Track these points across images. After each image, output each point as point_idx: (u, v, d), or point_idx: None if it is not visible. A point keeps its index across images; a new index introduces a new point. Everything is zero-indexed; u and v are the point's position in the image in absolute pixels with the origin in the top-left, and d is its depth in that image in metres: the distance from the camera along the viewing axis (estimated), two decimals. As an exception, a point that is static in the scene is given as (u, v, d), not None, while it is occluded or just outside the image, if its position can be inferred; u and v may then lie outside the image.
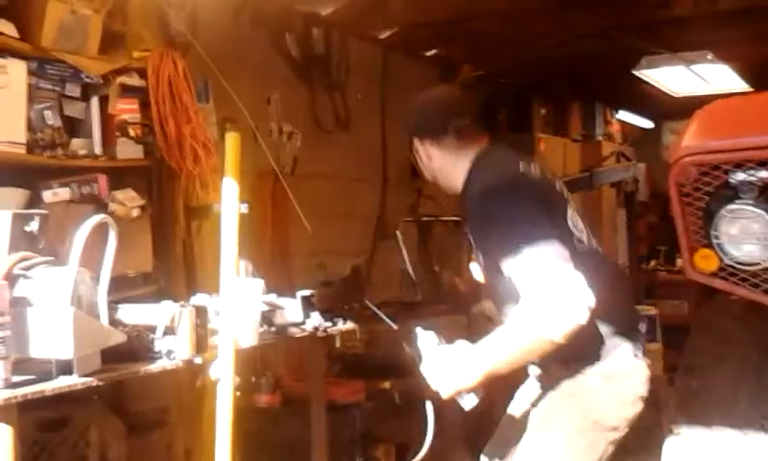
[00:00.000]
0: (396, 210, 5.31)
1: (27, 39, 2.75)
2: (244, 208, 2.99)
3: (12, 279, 1.80)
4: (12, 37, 2.70)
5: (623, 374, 2.15)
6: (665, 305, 6.67)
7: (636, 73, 5.81)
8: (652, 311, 6.44)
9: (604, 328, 2.12)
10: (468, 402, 2.00)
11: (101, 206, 2.97)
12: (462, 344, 2.03)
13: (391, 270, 5.15)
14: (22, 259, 1.84)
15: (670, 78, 6.14)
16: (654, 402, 4.96)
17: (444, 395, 2.02)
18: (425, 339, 2.07)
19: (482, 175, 2.19)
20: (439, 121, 2.26)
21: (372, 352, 2.98)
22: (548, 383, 2.22)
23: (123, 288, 2.97)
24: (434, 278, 4.64)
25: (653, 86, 6.38)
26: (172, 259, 3.26)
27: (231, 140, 2.15)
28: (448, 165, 2.27)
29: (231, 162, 2.16)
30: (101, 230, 3.03)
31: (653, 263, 7.39)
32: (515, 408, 2.37)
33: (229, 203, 2.16)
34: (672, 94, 6.78)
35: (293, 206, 4.03)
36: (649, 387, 2.21)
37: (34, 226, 1.91)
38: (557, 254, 1.96)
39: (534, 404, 2.26)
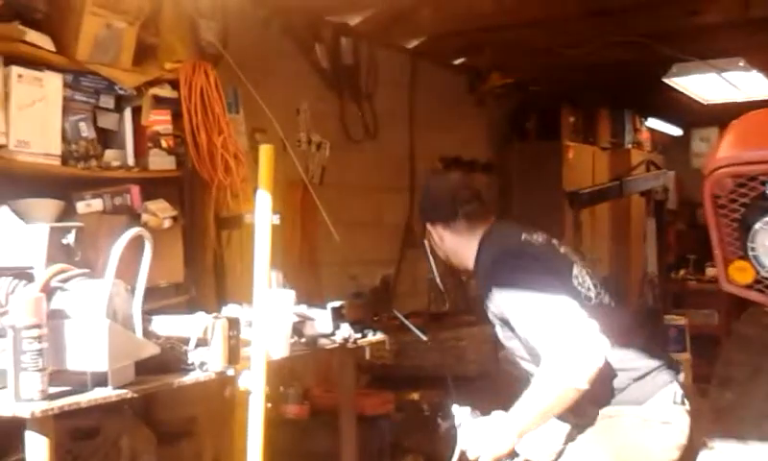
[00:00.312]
0: (423, 219, 5.30)
1: (63, 52, 2.78)
2: (276, 220, 3.02)
3: (49, 291, 1.82)
4: (48, 51, 2.73)
5: (662, 419, 2.18)
6: (695, 315, 6.60)
7: (667, 81, 5.76)
8: (681, 321, 6.37)
9: (626, 375, 2.19)
10: None
11: (133, 216, 3.00)
12: (497, 414, 2.17)
13: (418, 278, 5.15)
14: (59, 272, 1.86)
15: (700, 85, 6.08)
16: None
17: None
18: (461, 414, 2.18)
19: (489, 249, 2.34)
20: (449, 207, 2.41)
21: (400, 363, 2.97)
22: (584, 422, 2.25)
23: (154, 298, 3.00)
24: (461, 287, 4.63)
25: (682, 93, 6.32)
26: (202, 269, 3.28)
27: (265, 152, 2.16)
28: (459, 246, 2.43)
29: (265, 174, 2.17)
30: (134, 242, 3.08)
31: (682, 272, 7.32)
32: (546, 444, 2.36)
33: (263, 214, 2.16)
34: (702, 101, 6.70)
35: (321, 215, 4.05)
36: (689, 435, 2.22)
37: (70, 238, 1.93)
38: (566, 306, 2.10)
39: (569, 440, 2.30)
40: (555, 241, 2.42)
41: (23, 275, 1.90)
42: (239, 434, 2.37)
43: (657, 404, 2.19)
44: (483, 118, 6.01)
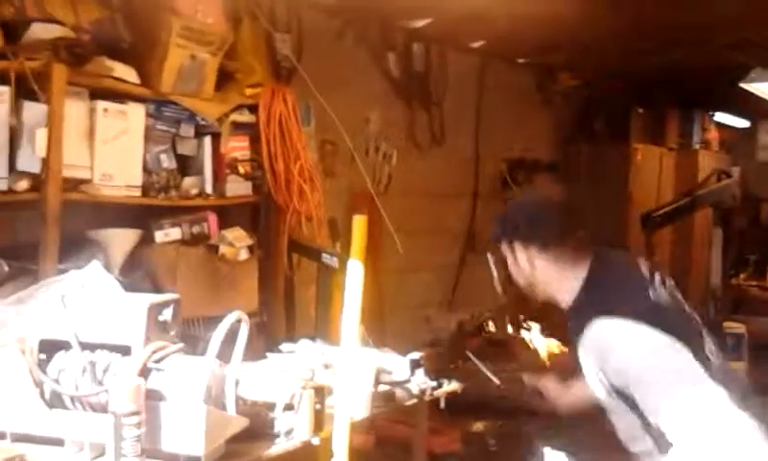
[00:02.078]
0: (487, 223, 5.24)
1: (146, 84, 2.77)
2: (333, 262, 2.99)
3: (145, 373, 1.83)
4: (133, 84, 2.72)
5: None
6: (755, 322, 6.45)
7: (744, 86, 5.57)
8: (739, 329, 6.24)
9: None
10: None
11: (210, 247, 3.00)
12: None
13: (478, 284, 5.11)
14: (155, 351, 1.86)
15: (777, 90, 5.86)
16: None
17: None
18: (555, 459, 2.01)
19: (604, 299, 2.00)
20: (555, 231, 2.11)
21: (466, 392, 2.94)
22: None
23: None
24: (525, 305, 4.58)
25: (755, 95, 6.11)
26: (274, 295, 3.28)
27: (358, 223, 2.12)
28: (554, 278, 2.11)
29: (358, 244, 2.13)
30: (207, 266, 3.09)
31: (742, 276, 7.14)
32: None
33: (354, 285, 2.13)
34: (776, 103, 6.48)
35: (386, 224, 4.03)
36: None
37: (167, 314, 1.93)
38: (718, 399, 1.79)
39: None
40: (671, 284, 2.09)
41: (116, 348, 1.90)
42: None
43: None
44: (549, 118, 5.88)
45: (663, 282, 2.08)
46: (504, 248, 2.24)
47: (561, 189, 5.88)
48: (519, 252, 2.17)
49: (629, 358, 1.91)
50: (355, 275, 2.17)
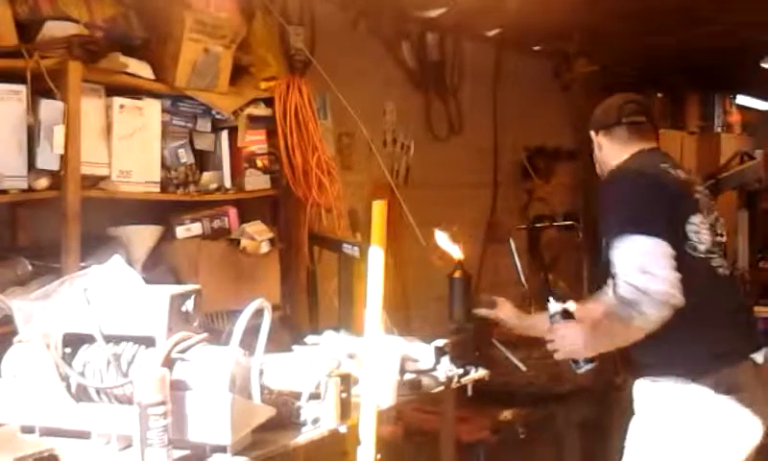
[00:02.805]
0: (506, 213, 5.21)
1: (161, 79, 2.76)
2: (355, 251, 2.97)
3: (170, 363, 1.81)
4: (148, 79, 2.71)
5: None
6: (782, 307, 6.36)
7: (764, 65, 5.49)
8: (768, 313, 6.16)
9: (698, 348, 2.24)
10: (579, 368, 2.44)
11: (231, 241, 2.99)
12: (578, 328, 2.37)
13: (499, 273, 5.08)
14: (179, 342, 1.85)
15: (799, 68, 5.78)
16: None
17: (558, 358, 2.45)
18: (555, 308, 2.44)
19: (624, 165, 2.42)
20: (614, 114, 2.52)
21: (491, 380, 2.91)
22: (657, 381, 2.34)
23: (250, 320, 3.01)
24: (546, 288, 4.54)
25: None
26: (297, 287, 3.27)
27: (377, 209, 2.10)
28: (611, 155, 2.51)
29: (378, 230, 2.11)
30: (229, 260, 3.08)
31: (771, 260, 7.03)
32: None
33: (376, 271, 2.11)
34: (798, 82, 6.39)
35: (406, 215, 3.99)
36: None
37: (189, 304, 1.91)
38: (657, 248, 2.13)
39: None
40: (700, 188, 2.41)
41: (140, 340, 1.89)
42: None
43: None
44: (568, 105, 5.82)
45: (692, 182, 2.40)
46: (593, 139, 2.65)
47: (582, 176, 5.84)
48: (595, 138, 2.62)
49: (606, 201, 2.37)
50: (376, 261, 2.15)
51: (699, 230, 2.26)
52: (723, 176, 4.94)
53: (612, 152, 2.51)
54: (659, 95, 6.21)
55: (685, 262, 2.17)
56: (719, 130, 6.80)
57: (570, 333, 2.38)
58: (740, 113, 7.40)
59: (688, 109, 6.57)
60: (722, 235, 2.40)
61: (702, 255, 2.26)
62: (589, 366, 2.41)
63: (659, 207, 2.22)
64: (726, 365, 2.24)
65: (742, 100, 7.55)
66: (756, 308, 5.79)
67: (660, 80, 6.19)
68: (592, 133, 2.62)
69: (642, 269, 2.11)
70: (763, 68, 5.83)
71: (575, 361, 2.44)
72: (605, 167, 2.55)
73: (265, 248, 3.01)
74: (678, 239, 2.19)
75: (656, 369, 2.32)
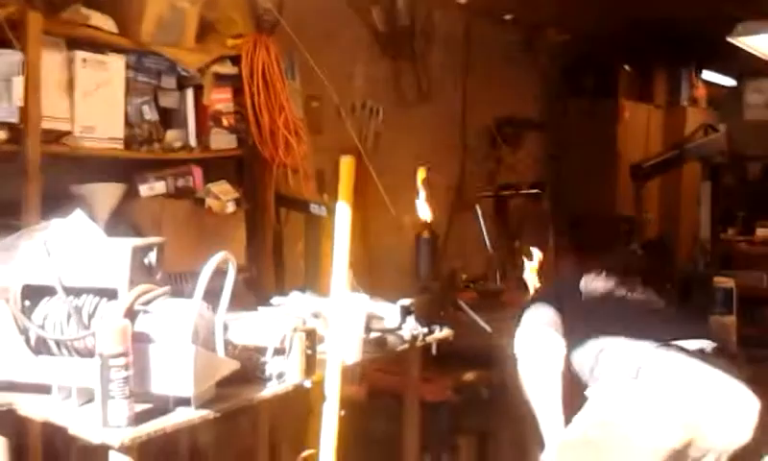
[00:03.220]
0: (474, 180, 5.22)
1: (126, 34, 2.71)
2: (322, 211, 2.97)
3: (132, 315, 1.80)
4: (112, 33, 2.66)
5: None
6: (743, 277, 6.47)
7: (731, 39, 5.53)
8: (729, 283, 6.26)
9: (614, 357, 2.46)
10: None
11: (196, 200, 2.96)
12: None
13: (467, 241, 5.10)
14: (142, 294, 1.83)
15: (765, 42, 5.83)
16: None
17: None
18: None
19: None
20: None
21: (455, 342, 2.93)
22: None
23: (214, 279, 2.99)
24: (513, 256, 4.57)
25: (741, 49, 6.07)
26: (263, 249, 3.24)
27: (345, 165, 2.09)
28: None
29: (345, 186, 2.10)
30: (193, 219, 3.05)
31: (731, 232, 7.15)
32: None
33: (342, 227, 2.11)
34: (762, 57, 6.45)
35: (374, 181, 3.98)
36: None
37: (152, 257, 1.89)
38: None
39: None
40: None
41: (102, 292, 1.87)
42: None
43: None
44: (537, 76, 5.85)
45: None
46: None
47: (549, 147, 5.88)
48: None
49: None
50: (344, 217, 2.14)
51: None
52: (687, 146, 4.99)
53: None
54: (627, 68, 6.24)
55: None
56: (685, 104, 6.86)
57: None
58: (706, 88, 7.47)
59: (656, 83, 6.61)
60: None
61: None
62: None
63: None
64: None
65: (708, 75, 7.63)
66: (716, 278, 5.94)
67: (628, 53, 6.23)
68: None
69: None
70: (728, 44, 5.87)
71: None
72: None
73: (230, 208, 2.99)
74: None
75: None
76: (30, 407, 1.88)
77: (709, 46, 6.16)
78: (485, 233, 4.78)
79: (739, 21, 5.29)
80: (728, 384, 2.29)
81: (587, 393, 2.52)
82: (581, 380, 2.58)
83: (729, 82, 8.16)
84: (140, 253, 1.86)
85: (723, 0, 4.75)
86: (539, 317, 2.70)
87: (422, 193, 2.74)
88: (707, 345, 2.43)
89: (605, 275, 2.78)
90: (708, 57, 6.88)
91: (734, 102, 8.49)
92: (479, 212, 4.77)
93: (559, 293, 2.81)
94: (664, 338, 2.43)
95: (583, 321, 2.64)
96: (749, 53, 6.27)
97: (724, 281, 6.14)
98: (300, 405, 2.45)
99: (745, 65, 7.20)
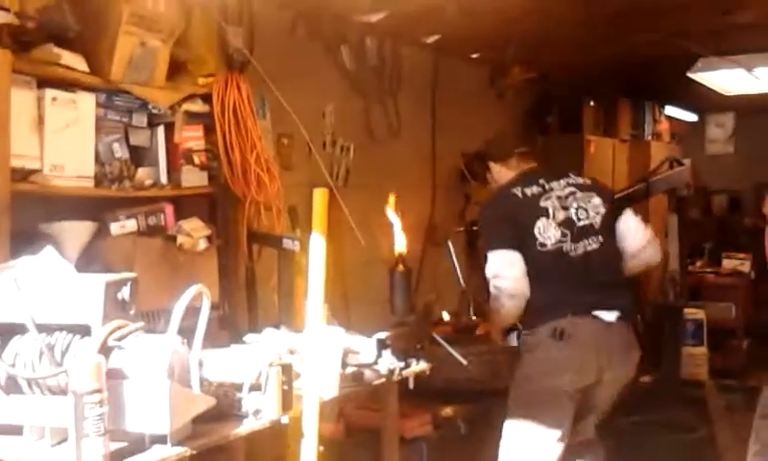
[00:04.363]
0: (445, 216, 5.25)
1: (96, 73, 2.70)
2: (295, 246, 2.97)
3: (106, 351, 1.77)
4: (82, 72, 2.65)
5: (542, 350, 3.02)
6: (712, 308, 6.57)
7: (691, 75, 5.68)
8: (699, 315, 6.33)
9: (535, 306, 3.04)
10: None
11: (168, 238, 2.94)
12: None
13: (438, 277, 5.11)
14: (115, 330, 1.80)
15: (724, 78, 6.00)
16: (701, 411, 4.85)
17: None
18: None
19: (490, 197, 3.43)
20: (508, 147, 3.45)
21: (433, 376, 2.92)
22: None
23: (188, 318, 2.96)
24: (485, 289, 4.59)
25: (703, 85, 6.24)
26: (235, 286, 3.22)
27: (319, 196, 2.10)
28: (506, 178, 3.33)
29: (319, 217, 2.10)
30: (166, 257, 3.02)
31: (699, 264, 7.26)
32: None
33: (317, 258, 2.10)
34: (723, 92, 6.62)
35: (346, 217, 3.99)
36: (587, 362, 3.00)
37: (125, 292, 1.87)
38: (504, 258, 3.06)
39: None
40: (557, 192, 3.18)
41: (75, 329, 1.84)
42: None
43: (540, 336, 3.01)
44: (504, 113, 5.92)
45: (540, 193, 3.18)
46: (487, 174, 3.49)
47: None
48: (493, 167, 3.45)
49: (479, 221, 3.46)
50: (318, 248, 2.14)
51: (543, 231, 3.08)
52: (653, 179, 5.06)
53: (503, 177, 3.36)
54: (591, 103, 6.36)
55: (535, 254, 3.05)
56: (649, 138, 7.00)
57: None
58: (669, 123, 7.64)
59: (620, 118, 6.74)
60: (585, 219, 3.15)
61: (549, 248, 3.07)
62: (512, 334, 3.32)
63: (504, 227, 3.10)
64: (561, 317, 2.99)
65: (671, 111, 7.81)
66: (686, 310, 6.00)
67: (592, 89, 6.35)
68: (490, 163, 3.45)
69: (496, 275, 3.05)
70: (690, 79, 6.03)
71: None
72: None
73: (202, 245, 2.97)
74: (528, 241, 3.06)
75: (526, 325, 3.14)
76: (0, 449, 1.83)
77: (672, 82, 6.33)
78: (457, 268, 4.81)
79: (699, 58, 5.46)
80: (623, 341, 3.11)
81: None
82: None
83: (691, 117, 8.36)
84: (113, 288, 1.84)
85: (683, 38, 4.86)
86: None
87: (397, 221, 2.77)
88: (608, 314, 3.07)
89: None
90: (670, 92, 7.04)
91: (696, 136, 8.70)
92: (451, 248, 4.80)
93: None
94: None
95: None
96: (710, 88, 6.45)
97: (694, 313, 6.23)
98: (278, 443, 2.42)
99: (706, 101, 7.40)
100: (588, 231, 3.12)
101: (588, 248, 3.11)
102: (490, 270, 3.07)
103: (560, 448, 3.02)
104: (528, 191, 3.17)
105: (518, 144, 3.45)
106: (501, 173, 3.37)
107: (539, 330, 3.02)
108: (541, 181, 3.20)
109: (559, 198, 3.17)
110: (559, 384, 2.98)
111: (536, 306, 3.05)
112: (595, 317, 3.03)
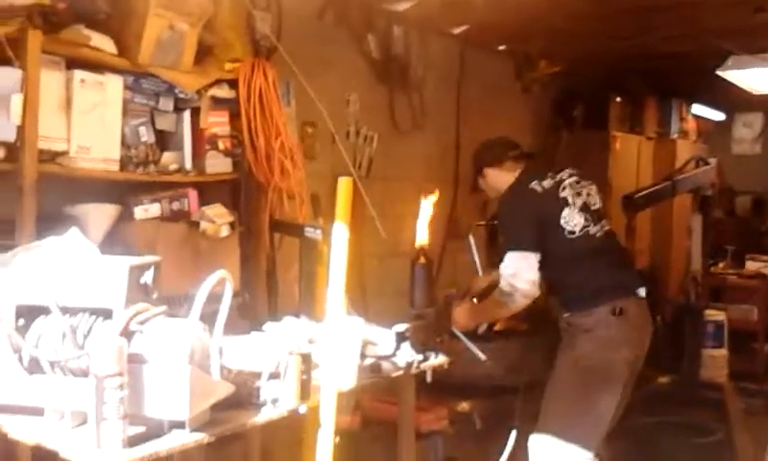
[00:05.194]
0: (466, 210, 5.22)
1: (124, 55, 2.71)
2: (317, 234, 2.96)
3: (128, 335, 1.77)
4: (111, 54, 2.65)
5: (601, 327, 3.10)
6: (733, 310, 6.49)
7: (720, 73, 5.59)
8: (720, 316, 6.26)
9: (587, 289, 3.14)
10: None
11: (191, 223, 2.94)
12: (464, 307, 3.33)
13: (459, 269, 5.09)
14: (137, 313, 1.80)
15: (754, 77, 5.90)
16: (720, 414, 4.81)
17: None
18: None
19: (509, 187, 3.34)
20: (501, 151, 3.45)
21: (450, 372, 2.91)
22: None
23: (209, 304, 2.97)
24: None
25: (732, 84, 6.14)
26: (256, 274, 3.22)
27: (343, 185, 2.09)
28: (504, 182, 3.36)
29: (342, 207, 2.09)
30: (188, 243, 3.03)
31: (721, 265, 7.18)
32: None
33: (339, 248, 2.10)
34: (752, 91, 6.52)
35: (367, 208, 3.98)
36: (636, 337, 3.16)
37: (148, 276, 1.87)
38: (524, 260, 3.10)
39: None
40: (568, 182, 3.26)
41: (97, 311, 1.85)
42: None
43: (598, 315, 3.09)
44: (529, 106, 5.88)
45: (557, 186, 3.26)
46: (480, 181, 3.50)
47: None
48: (488, 171, 3.46)
49: (499, 218, 3.38)
50: (340, 237, 2.13)
51: (570, 219, 3.18)
52: (678, 178, 5.01)
53: (504, 179, 3.37)
54: (618, 99, 6.29)
55: (566, 243, 3.15)
56: (675, 136, 6.91)
57: (460, 312, 3.25)
58: (696, 121, 7.54)
59: (646, 115, 6.66)
60: (595, 204, 3.29)
61: (578, 234, 3.18)
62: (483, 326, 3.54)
63: (527, 227, 3.14)
64: (618, 297, 3.11)
65: (697, 109, 7.70)
66: (707, 311, 5.95)
67: (619, 84, 6.28)
68: (485, 169, 3.45)
69: (514, 274, 3.10)
70: (718, 77, 5.94)
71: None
72: (495, 193, 3.43)
73: (225, 232, 2.97)
74: (556, 232, 3.15)
75: (576, 308, 3.18)
76: (21, 430, 1.84)
77: (700, 79, 6.24)
78: (477, 262, 4.78)
79: (729, 55, 5.38)
80: (649, 315, 3.29)
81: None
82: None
83: (718, 115, 8.25)
84: (137, 272, 1.84)
85: (713, 35, 4.79)
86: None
87: (425, 215, 2.77)
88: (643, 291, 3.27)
89: None
90: (698, 90, 6.95)
91: (723, 136, 8.58)
92: (472, 241, 4.77)
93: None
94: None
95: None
96: (738, 87, 6.36)
97: (715, 314, 6.17)
98: (293, 433, 2.42)
99: (734, 99, 7.30)
100: (600, 215, 3.29)
101: (605, 229, 3.29)
102: (508, 268, 3.12)
103: (611, 424, 3.13)
104: (545, 184, 3.26)
105: (511, 147, 3.49)
106: (499, 177, 3.41)
107: (597, 310, 3.12)
108: (550, 173, 3.30)
109: (571, 185, 3.28)
110: (618, 356, 3.11)
111: (588, 290, 3.15)
112: (637, 294, 3.23)
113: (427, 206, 2.81)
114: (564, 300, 3.23)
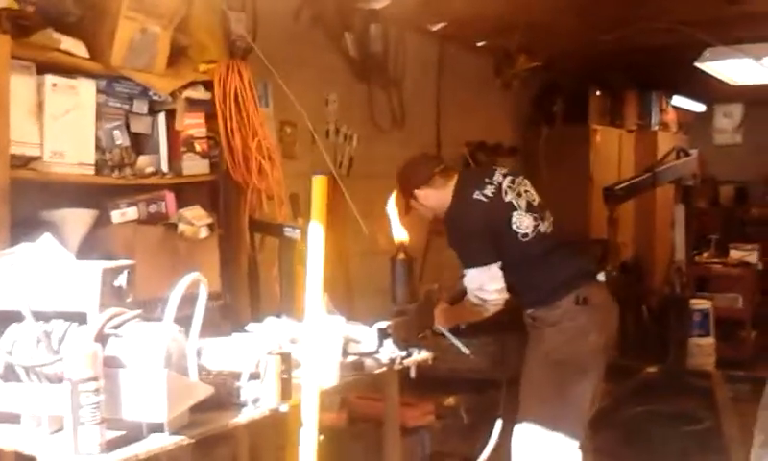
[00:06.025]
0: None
1: (96, 58, 2.68)
2: (296, 234, 2.95)
3: (103, 339, 1.75)
4: (82, 58, 2.63)
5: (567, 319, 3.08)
6: (719, 299, 6.53)
7: (699, 65, 5.63)
8: (705, 305, 6.30)
9: (548, 285, 3.11)
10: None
11: (169, 226, 2.92)
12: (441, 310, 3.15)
13: (443, 267, 5.09)
14: (112, 317, 1.78)
15: (732, 69, 5.94)
16: (708, 402, 4.82)
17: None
18: None
19: (452, 202, 3.18)
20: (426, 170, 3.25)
21: (435, 366, 2.90)
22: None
23: (189, 306, 2.95)
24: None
25: (711, 76, 6.18)
26: (237, 275, 3.20)
27: (318, 183, 2.07)
28: (440, 198, 3.21)
29: (318, 205, 2.08)
30: (166, 246, 3.01)
31: (705, 254, 7.21)
32: None
33: (316, 247, 2.08)
34: (730, 83, 6.57)
35: (349, 206, 3.97)
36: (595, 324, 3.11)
37: (122, 280, 1.85)
38: (486, 272, 3.06)
39: None
40: (506, 185, 3.17)
41: (72, 316, 1.82)
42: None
43: (563, 307, 3.07)
44: (509, 102, 5.89)
45: (499, 190, 3.16)
46: (412, 203, 3.25)
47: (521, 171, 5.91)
48: (419, 194, 3.23)
49: (450, 237, 3.22)
50: (317, 236, 2.12)
51: (520, 223, 3.13)
52: (659, 169, 5.04)
53: (439, 196, 3.21)
54: (597, 93, 6.31)
55: (522, 245, 3.11)
56: (656, 128, 6.94)
57: (438, 314, 3.13)
58: (676, 113, 7.58)
59: (627, 108, 6.69)
60: (535, 199, 3.22)
61: (531, 236, 3.13)
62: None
63: (481, 241, 3.08)
64: (577, 286, 3.09)
65: (678, 101, 7.74)
66: (693, 301, 5.97)
67: (599, 78, 6.30)
68: (416, 192, 3.23)
69: (480, 288, 3.07)
70: (698, 69, 5.98)
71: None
72: (442, 209, 3.23)
73: (204, 233, 2.95)
74: (509, 238, 3.10)
75: (539, 304, 3.15)
76: (-2, 438, 1.82)
77: (679, 72, 6.28)
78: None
79: (707, 47, 5.41)
80: (609, 299, 3.27)
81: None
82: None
83: (698, 107, 8.30)
84: (110, 275, 1.82)
85: (691, 27, 4.82)
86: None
87: (394, 215, 2.73)
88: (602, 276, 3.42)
89: None
90: (677, 82, 6.98)
91: (704, 127, 8.63)
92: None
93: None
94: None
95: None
96: (718, 79, 6.40)
97: (701, 303, 6.20)
98: (281, 433, 2.40)
99: (714, 91, 7.34)
100: (542, 208, 3.26)
101: (551, 220, 3.27)
102: (472, 283, 3.11)
103: (591, 412, 3.14)
104: (487, 192, 3.18)
105: (435, 163, 3.36)
106: (432, 196, 3.25)
107: (560, 303, 3.10)
108: (486, 179, 3.21)
109: (510, 188, 3.22)
110: (587, 345, 3.11)
111: (549, 285, 3.13)
112: (596, 279, 3.28)
113: (390, 204, 2.77)
114: (527, 300, 3.20)
